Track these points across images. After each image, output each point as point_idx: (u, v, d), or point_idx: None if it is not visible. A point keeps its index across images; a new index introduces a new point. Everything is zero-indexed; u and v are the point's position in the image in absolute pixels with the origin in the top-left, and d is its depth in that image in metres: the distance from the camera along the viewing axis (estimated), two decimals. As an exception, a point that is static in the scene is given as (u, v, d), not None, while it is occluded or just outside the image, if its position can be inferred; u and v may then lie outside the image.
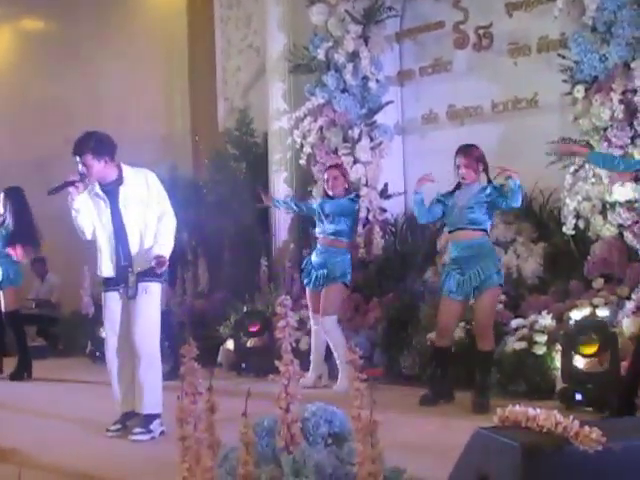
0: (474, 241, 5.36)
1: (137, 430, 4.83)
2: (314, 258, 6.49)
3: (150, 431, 4.83)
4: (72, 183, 4.87)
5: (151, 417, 4.87)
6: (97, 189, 4.97)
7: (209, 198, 9.41)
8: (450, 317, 5.50)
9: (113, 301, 4.98)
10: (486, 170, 5.47)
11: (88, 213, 4.95)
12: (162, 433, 4.86)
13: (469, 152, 5.43)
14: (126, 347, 4.93)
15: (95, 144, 4.88)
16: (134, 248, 4.93)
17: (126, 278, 4.90)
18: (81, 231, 5.00)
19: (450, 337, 5.61)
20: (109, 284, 5.02)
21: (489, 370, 5.47)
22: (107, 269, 4.99)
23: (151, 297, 4.95)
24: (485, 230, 5.42)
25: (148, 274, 4.92)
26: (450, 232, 5.53)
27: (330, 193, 6.44)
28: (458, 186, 5.51)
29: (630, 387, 4.64)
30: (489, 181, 5.47)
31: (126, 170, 4.99)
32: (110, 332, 5.01)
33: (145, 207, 4.95)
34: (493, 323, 5.48)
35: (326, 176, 6.52)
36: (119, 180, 4.95)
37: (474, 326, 5.47)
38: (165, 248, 4.95)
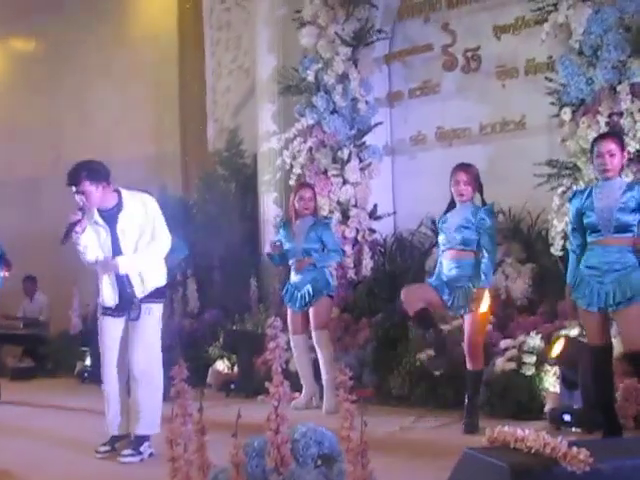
0: (465, 260, 5.39)
1: (127, 452, 4.81)
2: (293, 279, 6.50)
3: (140, 453, 4.80)
4: (77, 223, 4.78)
5: (142, 439, 4.84)
6: (96, 216, 4.90)
7: (199, 218, 9.42)
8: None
9: (112, 324, 4.95)
10: (481, 191, 5.49)
11: (93, 246, 4.90)
12: (151, 455, 4.83)
13: (470, 170, 5.42)
14: (124, 369, 4.91)
15: (89, 171, 4.83)
16: (133, 275, 4.90)
17: (130, 303, 4.88)
18: (89, 264, 4.96)
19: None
20: (111, 310, 4.97)
21: (478, 390, 5.47)
22: (109, 298, 4.94)
23: (153, 318, 4.93)
24: (474, 251, 5.43)
25: (150, 295, 4.92)
26: (443, 251, 5.53)
27: (299, 211, 6.45)
28: (452, 205, 5.52)
29: (609, 406, 4.67)
30: (483, 203, 5.48)
31: (125, 196, 4.94)
32: (109, 354, 4.96)
33: (142, 233, 4.93)
34: (483, 343, 5.49)
35: (301, 195, 6.51)
36: (119, 206, 4.90)
37: (465, 346, 5.47)
38: (128, 265, 4.85)
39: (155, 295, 4.94)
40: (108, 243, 4.91)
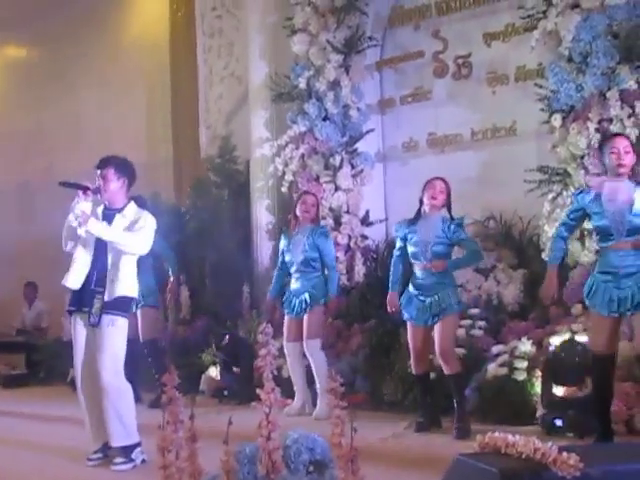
0: (438, 271, 5.43)
1: (118, 460, 4.80)
2: (293, 286, 6.53)
3: (132, 460, 4.79)
4: (85, 188, 4.88)
5: (131, 446, 4.83)
6: (99, 210, 5.00)
7: (191, 225, 9.42)
8: (419, 343, 5.52)
9: (79, 326, 4.93)
10: (449, 207, 5.55)
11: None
12: (144, 461, 4.82)
13: (446, 181, 5.54)
14: (93, 376, 4.85)
15: (120, 162, 5.03)
16: (110, 277, 4.86)
17: (92, 303, 4.82)
18: (65, 238, 4.97)
19: (425, 364, 5.63)
20: (75, 303, 4.94)
21: (462, 392, 5.49)
22: (73, 282, 4.89)
23: (117, 330, 4.86)
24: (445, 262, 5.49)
25: (115, 306, 4.84)
26: (415, 263, 5.57)
27: (300, 217, 6.51)
28: (417, 216, 5.56)
29: (606, 412, 4.68)
30: (451, 217, 5.53)
31: (131, 207, 5.03)
32: (77, 359, 4.96)
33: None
34: (454, 347, 5.54)
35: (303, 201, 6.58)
36: (120, 210, 4.99)
37: (437, 353, 5.50)
38: (98, 228, 4.81)
39: (119, 307, 4.86)
40: (94, 237, 4.90)
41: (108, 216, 4.97)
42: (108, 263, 4.89)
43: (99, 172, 4.99)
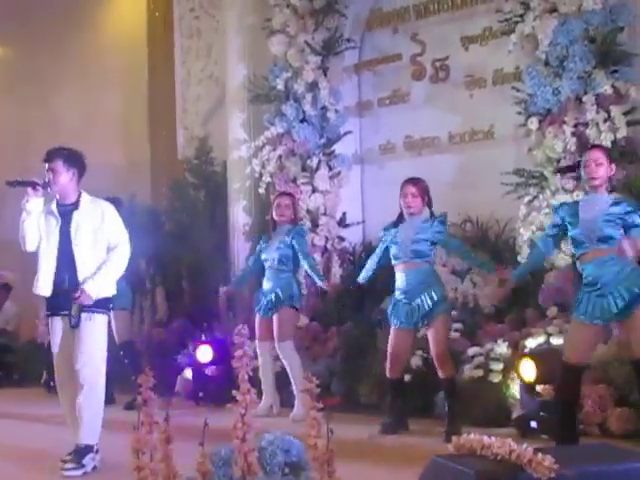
0: (420, 269, 5.44)
1: (69, 466, 4.65)
2: (264, 285, 6.53)
3: (82, 466, 4.66)
4: (34, 184, 4.79)
5: (84, 450, 4.71)
6: (53, 207, 4.89)
7: (168, 226, 9.37)
8: (400, 348, 5.53)
9: (57, 326, 4.88)
10: (430, 204, 5.56)
11: (37, 223, 4.84)
12: (94, 468, 4.72)
13: (418, 183, 5.52)
14: (72, 375, 4.80)
15: (68, 154, 4.90)
16: (82, 277, 4.79)
17: (70, 305, 4.76)
18: (23, 238, 4.86)
19: (401, 368, 5.63)
20: (52, 307, 4.89)
21: (455, 396, 5.49)
22: (44, 288, 4.84)
23: (95, 326, 4.81)
24: (428, 261, 5.50)
25: (94, 304, 4.78)
26: (396, 265, 5.58)
27: (277, 219, 6.51)
28: (400, 219, 5.57)
29: (570, 415, 4.69)
30: (432, 215, 5.55)
31: (84, 198, 4.92)
32: (57, 358, 4.91)
33: (96, 237, 4.85)
34: (449, 349, 5.53)
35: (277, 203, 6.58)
36: (75, 205, 4.88)
37: (432, 356, 5.51)
38: (98, 287, 4.80)
39: (98, 304, 4.80)
40: (56, 236, 4.83)
41: (63, 212, 4.87)
42: (76, 263, 4.80)
43: (47, 165, 4.86)
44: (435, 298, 5.36)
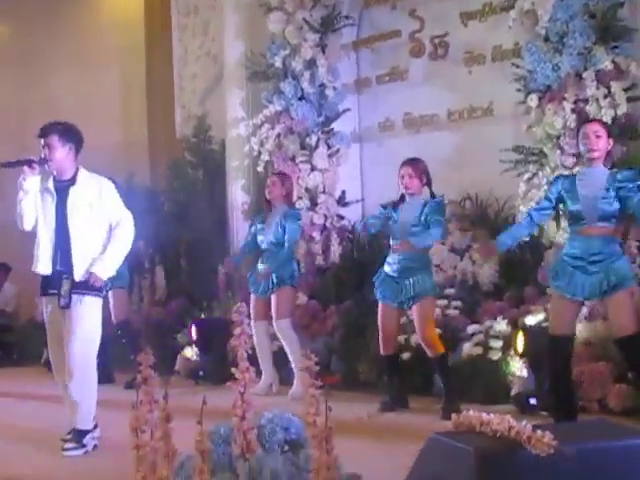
0: (415, 254, 5.42)
1: (70, 445, 4.65)
2: (260, 265, 6.49)
3: (83, 445, 4.67)
4: (29, 162, 4.66)
5: (83, 432, 4.70)
6: (50, 184, 4.77)
7: (166, 205, 9.36)
8: (388, 325, 5.54)
9: (50, 307, 4.80)
10: (429, 184, 5.53)
11: (34, 201, 4.75)
12: (95, 447, 4.72)
13: (415, 163, 5.50)
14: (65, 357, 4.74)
15: (63, 128, 4.78)
16: (76, 255, 4.71)
17: (60, 285, 4.69)
18: (21, 217, 4.77)
19: (393, 345, 5.63)
20: (45, 287, 4.81)
21: (448, 373, 5.49)
22: (43, 267, 4.75)
23: (87, 309, 4.72)
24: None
25: (84, 286, 4.69)
26: (393, 245, 5.56)
27: (268, 198, 6.49)
28: (402, 199, 5.55)
29: (563, 387, 4.71)
30: (432, 196, 5.52)
31: (82, 173, 4.82)
32: (49, 339, 4.86)
33: (93, 214, 4.76)
34: (434, 328, 5.52)
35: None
36: (72, 180, 4.78)
37: (418, 337, 5.52)
38: (107, 268, 4.76)
39: (89, 286, 4.70)
40: (52, 213, 4.74)
41: (60, 189, 4.76)
42: (71, 241, 4.72)
43: (42, 141, 4.74)
44: (423, 283, 5.36)
